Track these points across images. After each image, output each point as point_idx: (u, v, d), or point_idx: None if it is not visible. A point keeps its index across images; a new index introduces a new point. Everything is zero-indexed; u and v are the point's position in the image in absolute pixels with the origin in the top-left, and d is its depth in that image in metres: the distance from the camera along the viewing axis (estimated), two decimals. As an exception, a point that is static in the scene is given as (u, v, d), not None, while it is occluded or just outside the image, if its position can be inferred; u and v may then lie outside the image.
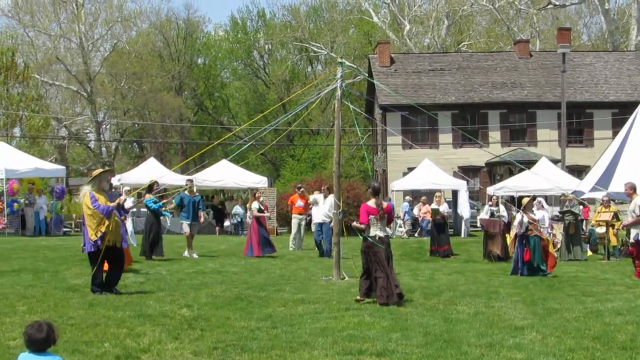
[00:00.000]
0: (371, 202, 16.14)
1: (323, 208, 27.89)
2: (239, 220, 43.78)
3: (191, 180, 28.44)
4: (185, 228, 26.57)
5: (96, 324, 12.52)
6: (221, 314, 13.82)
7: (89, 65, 77.47)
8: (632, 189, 21.54)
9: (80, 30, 76.29)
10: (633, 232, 20.99)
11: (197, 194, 27.64)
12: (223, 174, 44.17)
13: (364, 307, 14.77)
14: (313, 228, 29.85)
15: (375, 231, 15.93)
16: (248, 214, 30.38)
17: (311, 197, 29.60)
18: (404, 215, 42.80)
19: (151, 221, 25.65)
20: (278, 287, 17.93)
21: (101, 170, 17.35)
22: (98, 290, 16.04)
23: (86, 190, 16.15)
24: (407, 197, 42.62)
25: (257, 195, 29.31)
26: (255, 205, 28.32)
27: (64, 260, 24.09)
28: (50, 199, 40.33)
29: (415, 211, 42.59)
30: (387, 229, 16.48)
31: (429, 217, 42.14)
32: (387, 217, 16.22)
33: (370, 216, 15.95)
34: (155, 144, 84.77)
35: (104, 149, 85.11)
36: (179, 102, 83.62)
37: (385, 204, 16.30)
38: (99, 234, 15.83)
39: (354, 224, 16.50)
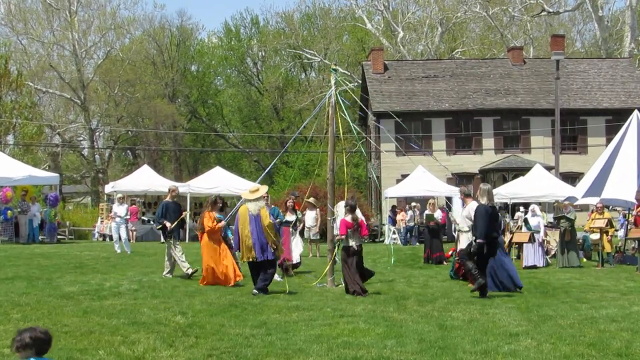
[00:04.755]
0: (348, 217, 18.82)
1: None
2: None
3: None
4: None
5: (90, 332, 12.49)
6: (215, 321, 13.80)
7: (82, 72, 77.51)
8: (464, 193, 21.41)
9: (73, 37, 76.33)
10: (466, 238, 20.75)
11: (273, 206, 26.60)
12: (217, 181, 44.11)
13: (358, 314, 14.77)
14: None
15: (352, 242, 18.66)
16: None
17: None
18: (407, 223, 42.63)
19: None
20: (272, 294, 17.93)
21: (265, 188, 19.61)
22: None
23: (262, 205, 18.44)
24: (413, 204, 42.61)
25: (287, 203, 25.90)
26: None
27: (58, 267, 24.07)
28: (44, 207, 40.28)
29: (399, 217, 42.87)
30: (360, 240, 18.96)
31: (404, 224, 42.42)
32: (361, 229, 18.91)
33: (348, 229, 18.63)
34: (148, 151, 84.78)
35: (97, 156, 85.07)
36: (172, 109, 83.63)
37: (360, 219, 19.01)
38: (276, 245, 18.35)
39: (337, 238, 19.44)
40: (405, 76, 59.82)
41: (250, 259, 18.11)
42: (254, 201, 18.29)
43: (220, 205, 24.09)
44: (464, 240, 20.42)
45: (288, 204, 25.78)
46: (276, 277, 22.14)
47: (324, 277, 20.86)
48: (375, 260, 29.15)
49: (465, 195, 21.03)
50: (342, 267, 18.84)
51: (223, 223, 20.99)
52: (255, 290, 17.79)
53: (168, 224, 21.89)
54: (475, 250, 17.77)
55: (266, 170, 29.85)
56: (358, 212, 20.38)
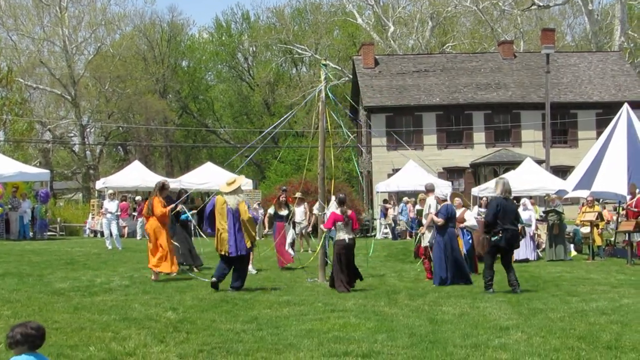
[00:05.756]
0: (337, 211, 18.70)
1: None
2: None
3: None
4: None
5: (81, 328, 12.48)
6: (206, 316, 13.81)
7: (72, 68, 77.35)
8: (426, 189, 21.54)
9: (63, 33, 76.16)
10: (428, 235, 20.89)
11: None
12: (208, 177, 44.07)
13: (349, 309, 14.78)
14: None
15: (343, 235, 18.49)
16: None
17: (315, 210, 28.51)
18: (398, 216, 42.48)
19: (181, 231, 24.27)
20: (263, 289, 17.95)
21: (242, 179, 19.36)
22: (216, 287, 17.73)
23: (241, 200, 18.04)
24: (405, 198, 42.60)
25: (280, 198, 26.28)
26: (270, 210, 26.83)
27: (49, 264, 24.04)
28: (35, 203, 40.21)
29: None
30: (352, 233, 18.77)
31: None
32: (352, 223, 18.70)
33: (338, 222, 18.49)
34: (139, 147, 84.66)
35: (88, 152, 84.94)
36: (163, 104, 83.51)
37: (349, 212, 18.82)
38: (254, 240, 18.11)
39: (323, 228, 19.39)
40: (396, 71, 59.88)
41: (223, 252, 17.79)
42: (232, 194, 17.84)
43: (186, 198, 24.23)
44: (427, 236, 20.73)
45: (281, 199, 25.99)
46: (252, 270, 22.26)
47: (314, 272, 20.93)
48: (367, 255, 29.11)
49: (427, 191, 21.36)
50: (333, 261, 18.68)
51: (173, 206, 21.19)
52: (230, 289, 17.62)
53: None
54: (492, 243, 17.74)
55: (249, 158, 29.77)
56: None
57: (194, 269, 23.27)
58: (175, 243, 21.75)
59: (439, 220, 19.71)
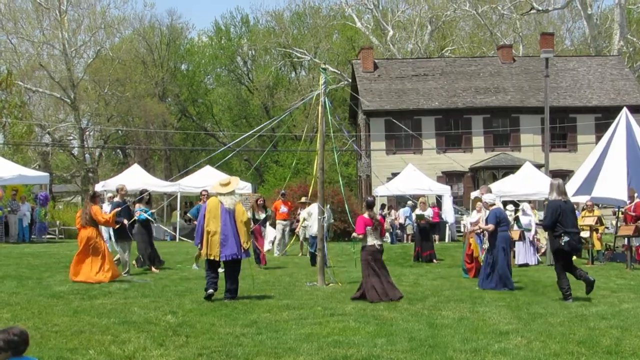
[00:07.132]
0: (366, 215, 17.71)
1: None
2: None
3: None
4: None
5: (81, 331, 12.48)
6: (206, 320, 13.80)
7: (72, 71, 77.19)
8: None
9: (63, 36, 76.04)
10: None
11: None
12: (207, 180, 44.02)
13: (348, 313, 14.77)
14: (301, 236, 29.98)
15: (372, 240, 17.58)
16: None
17: (305, 213, 28.89)
18: (405, 220, 42.31)
19: (142, 231, 24.73)
20: (263, 293, 17.93)
21: (236, 180, 18.65)
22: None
23: (237, 200, 17.57)
24: (409, 202, 42.55)
25: (258, 202, 26.94)
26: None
27: (48, 267, 24.04)
28: (34, 206, 40.17)
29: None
30: (380, 239, 17.97)
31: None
32: (380, 228, 17.82)
33: (367, 227, 17.47)
34: (138, 150, 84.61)
35: (87, 155, 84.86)
36: (162, 108, 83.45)
37: (378, 217, 18.00)
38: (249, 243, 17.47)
39: (354, 234, 18.03)
40: (395, 75, 59.85)
41: (212, 257, 16.94)
42: (228, 195, 17.18)
43: (147, 198, 24.48)
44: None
45: (259, 202, 26.57)
46: (194, 266, 22.70)
47: (314, 275, 20.93)
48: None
49: (490, 205, 20.60)
50: (363, 271, 17.52)
51: (117, 210, 21.56)
52: (225, 297, 16.84)
53: (126, 221, 22.07)
54: (555, 249, 17.23)
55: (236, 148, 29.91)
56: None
57: (153, 269, 23.90)
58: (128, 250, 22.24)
59: (489, 227, 19.55)
